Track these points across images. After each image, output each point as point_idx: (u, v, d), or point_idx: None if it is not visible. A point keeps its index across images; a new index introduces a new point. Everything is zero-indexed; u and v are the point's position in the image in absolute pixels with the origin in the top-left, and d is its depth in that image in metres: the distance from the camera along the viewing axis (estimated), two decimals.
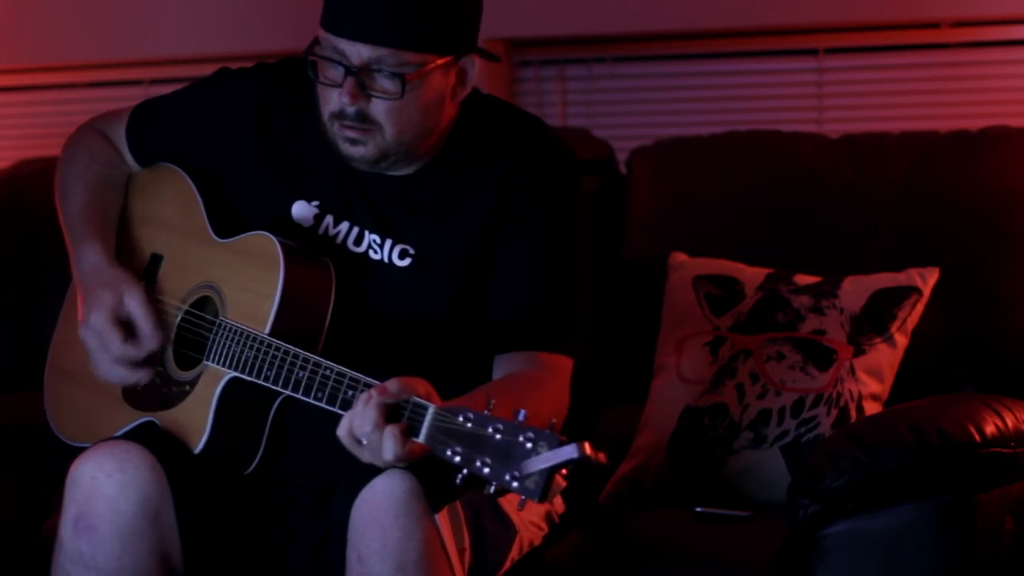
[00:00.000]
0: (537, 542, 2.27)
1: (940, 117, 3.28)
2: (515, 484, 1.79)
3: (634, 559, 2.31)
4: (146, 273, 2.31)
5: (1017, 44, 3.34)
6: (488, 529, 2.12)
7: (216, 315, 2.20)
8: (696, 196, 2.96)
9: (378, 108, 2.11)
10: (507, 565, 2.18)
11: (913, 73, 3.41)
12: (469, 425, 1.84)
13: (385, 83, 2.10)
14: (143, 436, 2.13)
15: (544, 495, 1.78)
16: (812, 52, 3.45)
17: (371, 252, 2.22)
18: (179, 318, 2.25)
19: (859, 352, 2.59)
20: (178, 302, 2.26)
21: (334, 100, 2.13)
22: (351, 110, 2.11)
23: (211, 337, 2.17)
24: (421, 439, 1.89)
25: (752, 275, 2.72)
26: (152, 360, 2.18)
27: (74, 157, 2.38)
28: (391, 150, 2.15)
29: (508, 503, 2.19)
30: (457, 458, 1.84)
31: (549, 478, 1.78)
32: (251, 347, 2.10)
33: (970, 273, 2.72)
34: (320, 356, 2.05)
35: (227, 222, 2.27)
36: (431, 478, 1.99)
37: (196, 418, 2.14)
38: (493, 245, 2.21)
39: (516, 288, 2.20)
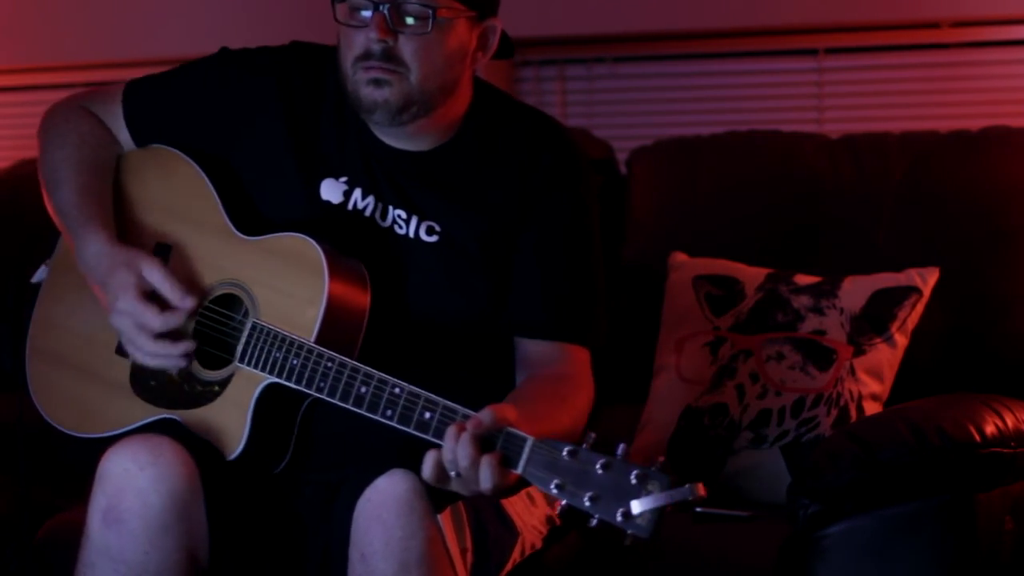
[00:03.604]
0: (539, 545, 2.27)
1: (940, 117, 3.28)
2: (622, 520, 1.79)
3: (634, 559, 2.30)
4: None
5: (1017, 44, 3.34)
6: (490, 531, 2.12)
7: (243, 315, 2.15)
8: (696, 196, 2.96)
9: (406, 46, 2.10)
10: (509, 567, 2.18)
11: (913, 73, 3.42)
12: (570, 459, 1.83)
13: (414, 20, 2.09)
14: (175, 432, 2.09)
15: (655, 533, 1.78)
16: (812, 52, 3.45)
17: (396, 227, 2.20)
18: (197, 313, 2.18)
19: (859, 352, 2.59)
20: None
21: (359, 42, 2.10)
22: (378, 47, 2.09)
23: (243, 338, 2.12)
24: (519, 471, 1.87)
25: (752, 275, 2.72)
26: (190, 330, 2.14)
27: (63, 139, 2.30)
28: (415, 96, 2.12)
29: (511, 505, 2.19)
30: (557, 491, 1.83)
31: (662, 516, 1.78)
32: (296, 354, 2.06)
33: (970, 273, 2.72)
34: (359, 362, 2.01)
35: (247, 215, 2.22)
36: None
37: (230, 422, 2.10)
38: (514, 236, 2.20)
39: (547, 279, 2.20)
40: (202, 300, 2.17)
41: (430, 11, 2.08)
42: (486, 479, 1.87)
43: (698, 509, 2.45)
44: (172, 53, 3.77)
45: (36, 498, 2.55)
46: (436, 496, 1.99)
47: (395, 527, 1.96)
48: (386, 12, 2.08)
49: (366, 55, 2.10)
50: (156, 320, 2.11)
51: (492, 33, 2.19)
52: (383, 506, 1.97)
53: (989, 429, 2.28)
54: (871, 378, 2.58)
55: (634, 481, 1.79)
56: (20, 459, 2.34)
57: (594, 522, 1.82)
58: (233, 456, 2.09)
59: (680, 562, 2.29)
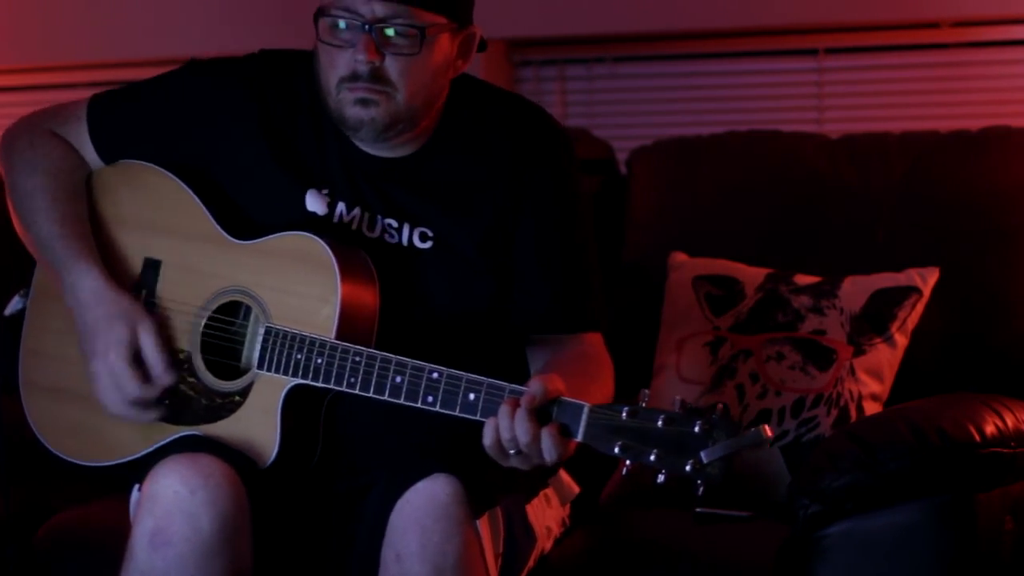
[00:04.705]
0: (548, 548, 2.27)
1: (940, 117, 3.28)
2: (691, 471, 1.83)
3: (635, 559, 2.30)
4: (142, 279, 2.20)
5: (1017, 44, 3.34)
6: (517, 539, 2.12)
7: (243, 318, 2.13)
8: (696, 196, 2.96)
9: (393, 67, 2.07)
10: (523, 574, 2.18)
11: (913, 73, 3.42)
12: (629, 419, 1.85)
13: (401, 39, 2.06)
14: (210, 448, 2.05)
15: (727, 480, 1.81)
16: (812, 52, 3.46)
17: (386, 236, 2.17)
18: (203, 325, 2.15)
19: (859, 352, 2.58)
20: (198, 308, 2.17)
21: (344, 62, 2.07)
22: (365, 69, 2.06)
23: (260, 344, 2.09)
24: (579, 438, 1.89)
25: (752, 275, 2.72)
26: (161, 400, 2.13)
27: (33, 165, 2.23)
28: (402, 115, 2.10)
29: (532, 510, 2.19)
30: (620, 452, 1.85)
31: (732, 463, 1.81)
32: (319, 353, 2.04)
33: (970, 273, 2.72)
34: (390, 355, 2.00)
35: (235, 221, 2.18)
36: (474, 483, 1.98)
37: (259, 430, 2.08)
38: (510, 227, 2.18)
39: (549, 270, 2.19)
40: (175, 383, 2.14)
41: (419, 31, 2.06)
42: (549, 451, 1.89)
43: (698, 509, 2.45)
44: (172, 53, 3.77)
45: (33, 499, 2.55)
46: (475, 501, 1.98)
47: (433, 530, 1.94)
48: (374, 33, 2.05)
49: (353, 76, 2.08)
50: (136, 390, 2.10)
51: (471, 40, 2.17)
52: (423, 509, 1.95)
53: (989, 429, 2.28)
54: (871, 378, 2.58)
55: (698, 431, 1.82)
56: (2, 459, 2.33)
57: (662, 477, 1.84)
58: (268, 463, 2.07)
59: (680, 562, 2.29)
